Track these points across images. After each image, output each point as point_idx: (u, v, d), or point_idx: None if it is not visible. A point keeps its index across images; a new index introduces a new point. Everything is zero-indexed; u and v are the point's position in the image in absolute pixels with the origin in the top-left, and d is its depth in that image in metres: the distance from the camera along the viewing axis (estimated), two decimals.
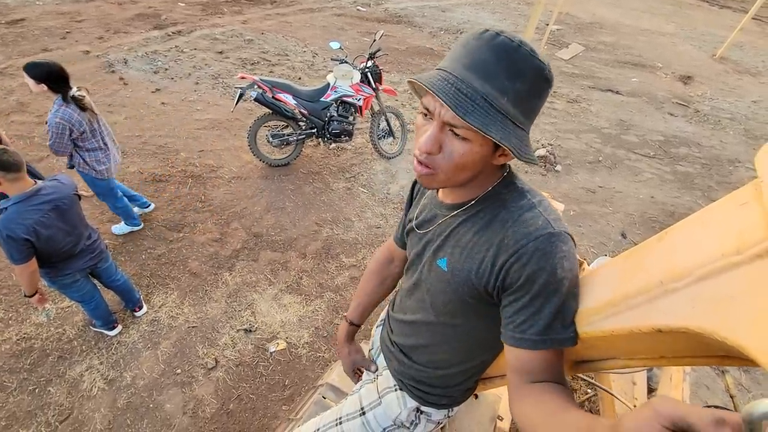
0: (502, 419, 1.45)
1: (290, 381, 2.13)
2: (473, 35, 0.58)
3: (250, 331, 2.32)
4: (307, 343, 2.31)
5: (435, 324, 0.82)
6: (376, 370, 1.07)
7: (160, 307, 2.37)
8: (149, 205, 2.95)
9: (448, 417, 0.98)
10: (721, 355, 0.49)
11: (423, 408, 0.94)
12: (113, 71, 4.74)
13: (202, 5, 7.28)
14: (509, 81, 0.57)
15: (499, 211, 0.67)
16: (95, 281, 2.05)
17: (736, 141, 5.40)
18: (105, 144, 2.37)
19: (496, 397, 1.35)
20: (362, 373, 1.12)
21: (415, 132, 0.66)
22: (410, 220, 0.87)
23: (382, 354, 1.05)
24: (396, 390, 0.97)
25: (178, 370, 2.09)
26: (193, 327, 2.30)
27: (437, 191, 0.80)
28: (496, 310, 0.68)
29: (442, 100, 0.55)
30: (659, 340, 0.47)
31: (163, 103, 4.31)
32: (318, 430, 1.03)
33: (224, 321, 2.35)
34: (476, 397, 1.31)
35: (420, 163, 0.63)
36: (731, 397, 1.88)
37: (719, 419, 0.32)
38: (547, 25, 6.67)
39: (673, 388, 1.70)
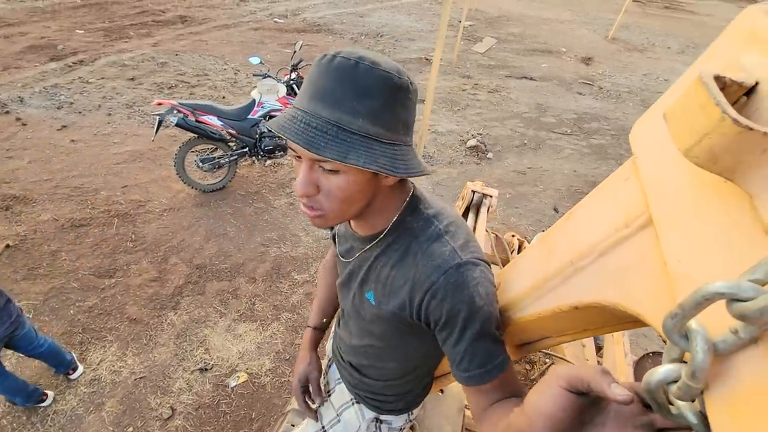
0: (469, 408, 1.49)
1: (257, 413, 2.04)
2: (316, 63, 0.56)
3: (206, 369, 2.19)
4: (269, 370, 2.23)
5: (377, 347, 0.81)
6: (321, 404, 1.02)
7: (98, 364, 2.16)
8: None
9: (410, 421, 1.00)
10: (632, 320, 0.55)
11: (382, 417, 0.95)
12: (7, 111, 4.24)
13: (104, 30, 6.74)
14: (357, 101, 0.53)
15: (410, 242, 0.65)
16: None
17: (636, 111, 6.04)
18: None
19: (461, 389, 1.39)
20: (308, 393, 1.01)
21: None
22: (336, 243, 0.85)
23: (333, 366, 1.04)
24: (353, 404, 0.97)
25: (130, 429, 1.92)
26: (140, 378, 2.12)
27: (348, 221, 0.77)
28: (418, 329, 0.68)
29: (292, 141, 0.52)
30: (579, 316, 0.51)
31: (72, 140, 3.93)
32: None
33: (176, 364, 2.20)
34: (442, 392, 1.34)
35: (306, 206, 0.60)
36: (664, 341, 2.09)
37: (604, 370, 0.35)
38: (460, 22, 7.00)
39: (615, 343, 1.86)
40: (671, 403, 0.31)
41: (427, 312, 0.62)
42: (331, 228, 0.87)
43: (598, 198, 0.52)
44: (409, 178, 0.68)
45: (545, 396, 0.38)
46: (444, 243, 0.62)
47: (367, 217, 0.68)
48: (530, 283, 0.58)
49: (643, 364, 1.98)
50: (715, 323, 0.27)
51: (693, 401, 0.30)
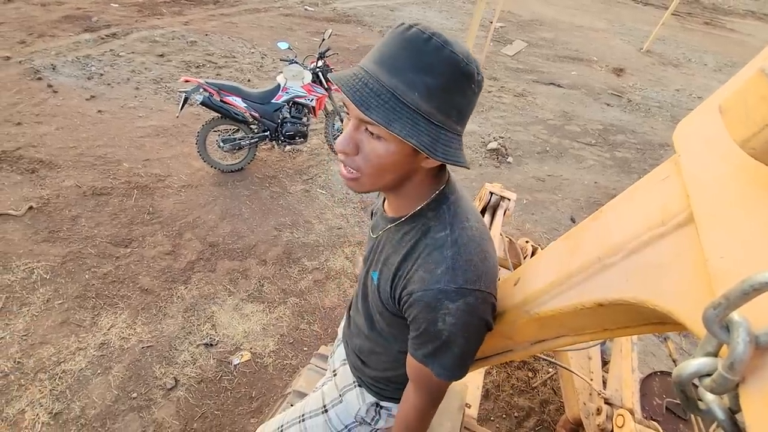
0: (470, 407, 1.48)
1: (257, 392, 2.06)
2: (391, 30, 0.57)
3: (211, 345, 2.22)
4: (272, 351, 2.25)
5: (378, 330, 0.83)
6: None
7: (109, 329, 2.21)
8: None
9: None
10: (656, 322, 0.53)
11: (382, 403, 0.95)
12: (39, 78, 4.35)
13: (138, 6, 6.86)
14: (416, 74, 0.53)
15: (420, 240, 0.66)
16: None
17: (665, 126, 5.88)
18: None
19: (462, 386, 1.38)
20: None
21: None
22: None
23: (341, 347, 1.06)
24: (355, 387, 0.97)
25: (134, 394, 1.96)
26: (147, 347, 2.16)
27: (383, 199, 0.80)
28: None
29: (347, 96, 0.53)
30: (601, 313, 0.49)
31: (99, 111, 4.02)
32: (281, 426, 1.02)
33: (182, 337, 2.24)
34: None
35: (344, 165, 0.61)
36: (674, 361, 2.04)
37: None
38: (491, 22, 6.91)
39: (623, 358, 1.82)
40: (700, 399, 0.31)
41: (403, 308, 0.68)
42: (368, 194, 0.93)
43: (632, 197, 0.51)
44: (449, 172, 0.71)
45: None
46: (443, 258, 0.62)
47: (398, 197, 0.69)
48: (552, 278, 0.56)
49: (649, 382, 1.94)
50: (756, 317, 0.27)
51: (724, 395, 0.29)
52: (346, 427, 0.97)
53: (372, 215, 0.89)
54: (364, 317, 0.85)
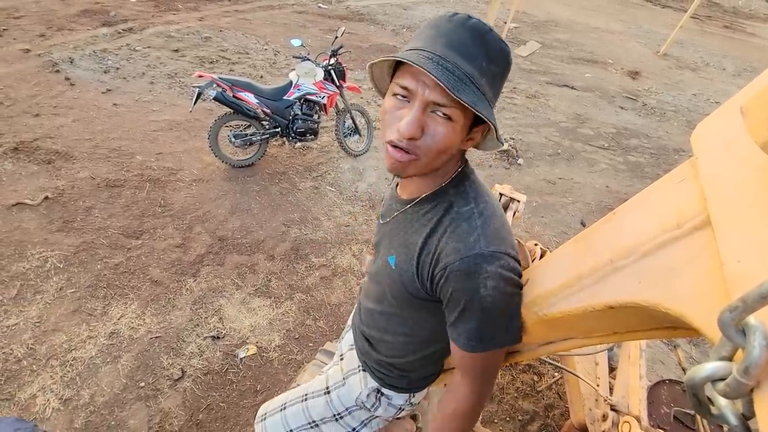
0: None
1: (262, 386, 2.08)
2: (444, 18, 0.59)
3: (218, 337, 2.25)
4: (278, 346, 2.27)
5: (389, 314, 0.84)
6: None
7: (119, 319, 2.25)
8: None
9: (411, 405, 1.00)
10: (667, 326, 0.52)
11: (383, 390, 0.96)
12: (57, 71, 4.43)
13: (155, 1, 6.95)
14: (486, 62, 0.58)
15: (444, 216, 0.67)
16: None
17: (680, 131, 5.78)
18: None
19: None
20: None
21: (382, 118, 0.64)
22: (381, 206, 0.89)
23: (350, 333, 1.08)
24: (359, 371, 0.99)
25: (142, 384, 1.99)
26: (156, 337, 2.19)
27: (397, 184, 0.81)
28: (431, 303, 0.71)
29: (436, 78, 0.53)
30: (611, 316, 0.49)
31: (115, 104, 4.08)
32: (285, 404, 1.04)
33: (190, 329, 2.27)
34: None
35: (398, 149, 0.61)
36: (683, 369, 2.01)
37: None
38: (505, 23, 6.86)
39: (631, 365, 1.80)
40: (712, 404, 0.30)
41: (436, 286, 0.66)
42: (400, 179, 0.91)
43: (646, 199, 0.50)
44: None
45: None
46: (473, 227, 0.63)
47: (425, 178, 0.70)
48: (562, 280, 0.56)
49: (657, 390, 1.91)
50: None
51: (737, 400, 0.28)
52: (346, 409, 0.99)
53: (379, 213, 0.90)
54: (374, 303, 0.86)
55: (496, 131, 0.61)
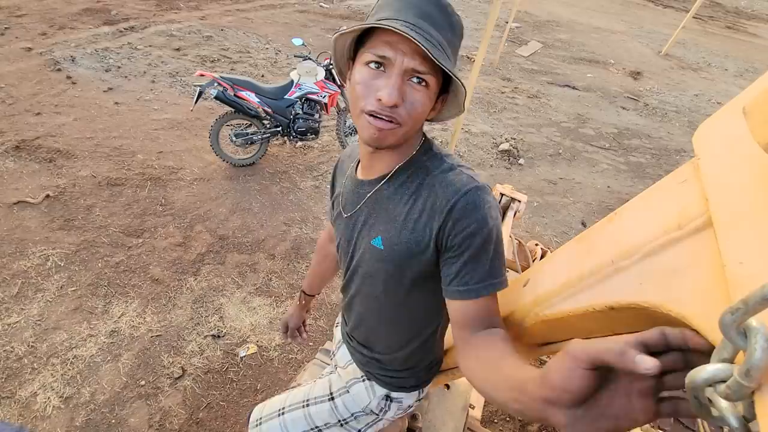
0: (473, 407, 1.48)
1: (262, 385, 2.08)
2: None
3: (219, 336, 2.25)
4: (278, 345, 2.27)
5: (380, 306, 0.82)
6: (296, 338, 1.31)
7: (119, 317, 2.25)
8: None
9: (419, 401, 0.99)
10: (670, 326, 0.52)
11: (393, 394, 0.94)
12: (59, 69, 4.44)
13: (157, 0, 6.95)
14: (450, 34, 0.62)
15: (424, 178, 0.69)
16: None
17: (681, 132, 5.77)
18: None
19: (467, 387, 1.38)
20: (288, 332, 1.31)
21: (354, 90, 0.63)
22: (335, 204, 0.87)
23: (343, 347, 1.06)
24: (364, 380, 0.97)
25: (142, 382, 1.99)
26: (156, 336, 2.20)
27: (355, 170, 0.80)
28: (432, 277, 0.70)
29: (420, 44, 0.54)
30: (612, 317, 0.49)
31: (116, 102, 4.09)
32: (283, 408, 1.01)
33: (190, 328, 2.27)
34: (447, 387, 1.33)
35: (379, 118, 0.60)
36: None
37: (623, 349, 0.34)
38: (507, 22, 6.85)
39: None
40: (713, 405, 0.30)
41: (444, 232, 0.65)
42: (334, 180, 0.93)
43: (648, 200, 0.50)
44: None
45: (568, 376, 0.38)
46: (459, 172, 0.67)
47: (395, 150, 0.71)
48: (563, 280, 0.56)
49: None
50: None
51: (738, 402, 0.28)
52: (352, 414, 0.97)
53: (333, 205, 0.89)
54: (363, 301, 0.85)
55: (465, 95, 0.64)
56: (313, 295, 1.28)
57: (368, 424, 0.99)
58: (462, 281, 0.64)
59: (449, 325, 0.73)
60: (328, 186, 0.95)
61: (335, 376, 1.04)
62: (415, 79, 0.60)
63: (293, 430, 0.98)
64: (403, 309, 0.80)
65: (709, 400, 0.30)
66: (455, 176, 0.66)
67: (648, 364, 0.32)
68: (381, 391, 0.94)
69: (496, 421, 2.09)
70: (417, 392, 0.97)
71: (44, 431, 1.76)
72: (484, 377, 0.56)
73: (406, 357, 0.88)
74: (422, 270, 0.70)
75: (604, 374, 0.37)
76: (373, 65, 0.60)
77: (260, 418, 1.02)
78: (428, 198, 0.66)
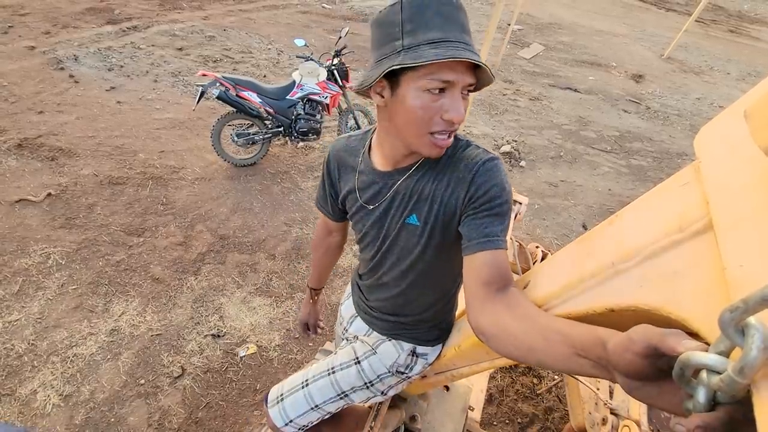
0: (473, 409, 1.48)
1: (262, 385, 2.08)
2: None
3: (219, 336, 2.25)
4: (278, 345, 2.27)
5: (413, 279, 0.88)
6: (317, 332, 1.35)
7: (120, 316, 2.25)
8: None
9: (437, 358, 1.04)
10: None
11: (418, 349, 0.99)
12: (62, 68, 4.45)
13: (160, 0, 6.97)
14: (468, 32, 0.66)
15: (445, 158, 0.76)
16: None
17: (683, 135, 5.76)
18: None
19: (466, 388, 1.38)
20: (310, 329, 1.35)
21: (416, 115, 0.67)
22: (350, 199, 0.90)
23: (356, 321, 1.09)
24: (389, 339, 1.01)
25: (142, 381, 1.99)
26: (156, 335, 2.20)
27: (371, 163, 0.84)
28: (458, 240, 0.75)
29: (483, 65, 0.62)
30: (612, 319, 0.49)
31: (118, 102, 4.10)
32: (306, 380, 1.02)
33: (190, 327, 2.27)
34: (447, 389, 1.33)
35: (447, 135, 0.69)
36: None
37: (679, 339, 0.34)
38: (509, 24, 6.85)
39: None
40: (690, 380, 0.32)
41: (468, 197, 0.72)
42: (331, 175, 0.95)
43: (649, 202, 0.50)
44: None
45: (627, 361, 0.38)
46: (474, 147, 0.76)
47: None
48: (564, 282, 0.56)
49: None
50: None
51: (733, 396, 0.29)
52: (378, 376, 1.00)
53: (345, 201, 0.93)
54: (397, 273, 0.89)
55: (492, 73, 0.67)
56: (321, 288, 1.33)
57: (391, 385, 1.03)
58: (483, 233, 0.69)
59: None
60: (324, 181, 0.96)
61: (358, 344, 1.06)
62: (466, 92, 0.66)
63: (320, 398, 1.00)
64: (433, 275, 0.87)
65: (691, 378, 0.32)
66: (472, 151, 0.74)
67: (691, 345, 0.33)
68: (408, 346, 0.99)
69: (495, 423, 2.09)
70: (440, 345, 1.02)
71: (44, 429, 1.76)
72: (524, 331, 0.55)
73: (432, 316, 0.96)
74: (453, 237, 0.77)
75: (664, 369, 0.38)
76: (436, 91, 0.64)
77: (281, 395, 1.03)
78: (453, 173, 0.74)
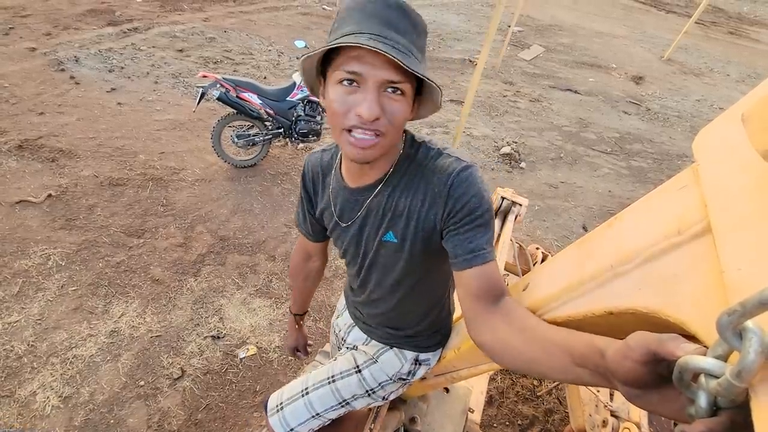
0: (473, 411, 1.47)
1: (261, 387, 2.08)
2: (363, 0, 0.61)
3: (219, 337, 2.25)
4: (278, 347, 2.26)
5: (403, 293, 0.86)
6: (308, 353, 1.36)
7: (119, 317, 2.25)
8: None
9: (437, 361, 1.04)
10: (669, 331, 0.52)
11: (421, 356, 0.99)
12: (63, 69, 4.46)
13: (161, 1, 6.99)
14: (415, 35, 0.62)
15: (416, 170, 0.73)
16: None
17: (683, 137, 5.77)
18: None
19: (466, 390, 1.37)
20: (300, 352, 1.36)
21: (330, 109, 0.63)
22: (326, 215, 0.88)
23: (354, 330, 1.08)
24: (391, 348, 1.00)
25: (141, 383, 1.99)
26: (156, 336, 2.20)
27: (342, 179, 0.81)
28: (443, 249, 0.73)
29: (392, 56, 0.54)
30: (611, 322, 0.49)
31: (119, 103, 4.10)
32: (306, 388, 1.01)
33: (190, 328, 2.27)
34: (447, 391, 1.33)
35: (364, 132, 0.61)
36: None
37: (680, 346, 0.34)
38: (509, 26, 6.87)
39: None
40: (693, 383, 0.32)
41: (446, 212, 0.69)
42: (308, 191, 0.92)
43: (648, 205, 0.50)
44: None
45: (626, 369, 0.38)
46: (446, 156, 0.71)
47: (385, 156, 0.73)
48: (563, 284, 0.56)
49: None
50: None
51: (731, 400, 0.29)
52: (379, 384, 1.00)
53: (319, 221, 0.92)
54: (388, 293, 0.88)
55: (441, 94, 0.64)
56: (305, 313, 1.31)
57: (393, 391, 1.03)
58: (469, 249, 0.67)
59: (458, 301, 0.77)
60: (302, 198, 0.94)
61: (357, 353, 1.05)
62: (390, 90, 0.60)
63: (321, 407, 0.99)
64: (422, 286, 0.85)
65: (690, 382, 0.32)
66: (444, 160, 0.70)
67: (689, 348, 0.32)
68: (411, 354, 0.99)
69: (495, 425, 2.08)
70: (440, 350, 1.02)
71: (43, 431, 1.76)
72: (524, 343, 0.55)
73: (430, 324, 0.95)
74: (436, 249, 0.74)
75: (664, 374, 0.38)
76: (346, 83, 0.60)
77: (280, 404, 1.02)
78: (427, 187, 0.70)
